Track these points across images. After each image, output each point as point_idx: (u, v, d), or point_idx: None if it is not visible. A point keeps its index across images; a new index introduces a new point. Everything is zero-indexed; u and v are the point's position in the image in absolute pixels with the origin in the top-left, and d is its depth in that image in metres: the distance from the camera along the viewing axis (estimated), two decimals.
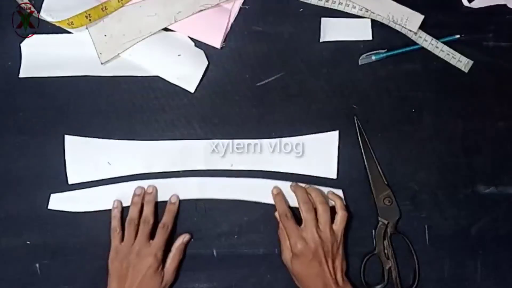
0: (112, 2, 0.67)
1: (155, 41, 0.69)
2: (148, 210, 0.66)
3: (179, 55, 0.69)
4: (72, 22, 0.66)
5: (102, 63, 0.68)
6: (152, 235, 0.65)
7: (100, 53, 0.67)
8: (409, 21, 0.69)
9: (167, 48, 0.69)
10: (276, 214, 0.67)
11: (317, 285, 0.63)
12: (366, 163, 0.69)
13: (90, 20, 0.67)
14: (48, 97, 0.69)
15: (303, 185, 0.68)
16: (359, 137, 0.69)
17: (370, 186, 0.69)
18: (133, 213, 0.66)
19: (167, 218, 0.67)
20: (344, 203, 0.67)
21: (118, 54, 0.68)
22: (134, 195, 0.68)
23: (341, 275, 0.64)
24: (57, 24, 0.67)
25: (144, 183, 0.69)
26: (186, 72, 0.69)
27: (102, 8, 0.67)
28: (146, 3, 0.67)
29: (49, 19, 0.68)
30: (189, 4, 0.67)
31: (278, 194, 0.67)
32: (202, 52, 0.70)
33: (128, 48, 0.68)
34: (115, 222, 0.67)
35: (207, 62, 0.69)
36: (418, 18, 0.69)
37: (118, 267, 0.64)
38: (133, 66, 0.69)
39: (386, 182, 0.69)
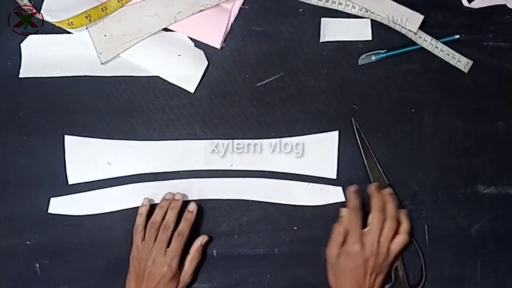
0: (112, 3, 0.67)
1: (155, 41, 0.69)
2: (170, 216, 0.66)
3: (179, 55, 0.69)
4: (72, 22, 0.66)
5: (102, 63, 0.68)
6: (170, 242, 0.65)
7: (100, 53, 0.67)
8: (409, 21, 0.69)
9: (167, 48, 0.69)
10: (343, 209, 0.66)
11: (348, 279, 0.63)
12: (366, 163, 0.69)
13: (90, 20, 0.67)
14: (48, 97, 0.69)
15: (387, 190, 0.67)
16: (357, 138, 0.69)
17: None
18: (157, 216, 0.66)
19: (183, 226, 0.66)
20: (410, 229, 0.66)
21: (118, 54, 0.68)
22: (163, 199, 0.67)
23: (373, 281, 0.64)
24: (57, 24, 0.67)
25: (144, 183, 0.69)
26: (186, 72, 0.69)
27: (102, 8, 0.67)
28: (146, 3, 0.67)
29: (49, 19, 0.68)
30: (189, 4, 0.67)
31: (356, 191, 0.66)
32: (202, 52, 0.70)
33: (128, 48, 0.68)
34: (139, 220, 0.66)
35: (207, 62, 0.69)
36: (418, 18, 0.69)
37: (137, 267, 0.64)
38: (133, 66, 0.69)
39: (387, 182, 0.69)
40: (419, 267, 0.68)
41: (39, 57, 0.69)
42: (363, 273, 0.62)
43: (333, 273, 0.65)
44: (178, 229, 0.65)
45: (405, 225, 0.65)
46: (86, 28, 0.67)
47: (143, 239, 0.65)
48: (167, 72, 0.69)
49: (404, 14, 0.69)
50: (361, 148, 0.69)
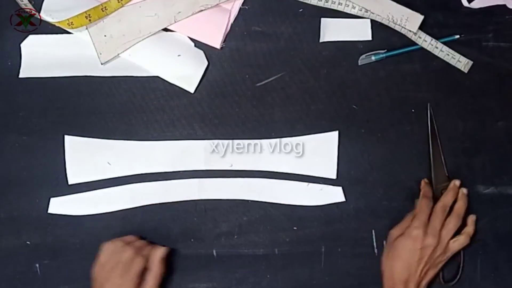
0: (112, 3, 0.67)
1: (155, 41, 0.69)
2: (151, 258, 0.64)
3: (179, 55, 0.69)
4: (72, 22, 0.66)
5: (102, 63, 0.68)
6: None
7: (100, 53, 0.67)
8: (409, 21, 0.69)
9: (167, 48, 0.69)
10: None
11: (401, 274, 0.63)
12: (431, 151, 0.69)
13: (90, 20, 0.67)
14: (48, 97, 0.69)
15: (465, 190, 0.67)
16: (429, 126, 0.69)
17: (431, 175, 0.69)
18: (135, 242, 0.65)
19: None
20: (473, 234, 0.66)
21: (118, 54, 0.68)
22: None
23: (425, 284, 0.64)
24: (57, 25, 0.67)
25: (144, 183, 0.69)
26: (186, 73, 0.69)
27: (102, 9, 0.67)
28: (145, 3, 0.67)
29: (48, 19, 0.68)
30: (189, 4, 0.67)
31: (428, 183, 0.68)
32: (202, 52, 0.70)
33: (128, 48, 0.68)
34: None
35: (207, 63, 0.69)
36: (418, 18, 0.69)
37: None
38: (133, 66, 0.69)
39: (447, 174, 0.69)
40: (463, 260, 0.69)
41: (39, 57, 0.69)
42: (417, 259, 0.63)
43: (388, 254, 0.65)
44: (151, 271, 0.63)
45: (470, 228, 0.66)
46: (86, 28, 0.67)
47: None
48: (167, 72, 0.69)
49: (404, 14, 0.69)
50: (430, 137, 0.69)
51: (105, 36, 0.67)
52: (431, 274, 0.64)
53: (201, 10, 0.68)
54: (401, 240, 0.64)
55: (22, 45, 0.69)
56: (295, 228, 0.70)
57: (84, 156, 0.69)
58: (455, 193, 0.67)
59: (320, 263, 0.70)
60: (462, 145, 0.70)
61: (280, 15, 0.70)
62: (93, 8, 0.66)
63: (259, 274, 0.70)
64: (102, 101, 0.70)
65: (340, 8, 0.70)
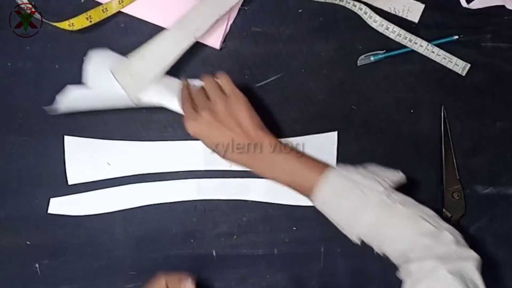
0: (113, 4, 0.67)
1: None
2: None
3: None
4: (73, 23, 0.67)
5: (135, 104, 0.67)
6: None
7: (131, 95, 0.66)
8: (410, 12, 0.69)
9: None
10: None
11: (235, 153, 0.61)
12: (443, 153, 0.69)
13: (90, 21, 0.67)
14: (48, 97, 0.69)
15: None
16: (442, 127, 0.70)
17: (442, 177, 0.69)
18: None
19: None
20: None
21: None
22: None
23: (253, 130, 0.62)
24: (58, 26, 0.67)
25: (144, 184, 0.69)
26: None
27: (103, 10, 0.67)
28: (164, 33, 0.66)
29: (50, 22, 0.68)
30: (205, 18, 0.67)
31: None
32: None
33: (155, 79, 0.66)
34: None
35: None
36: (419, 8, 0.69)
37: None
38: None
39: (458, 177, 0.69)
40: None
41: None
42: (217, 127, 0.61)
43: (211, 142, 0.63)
44: None
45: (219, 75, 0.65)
46: (112, 75, 0.65)
47: None
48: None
49: (406, 5, 0.69)
50: (442, 139, 0.70)
51: (131, 75, 0.65)
52: (244, 114, 0.62)
53: (217, 20, 0.67)
54: (208, 128, 0.61)
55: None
56: (294, 228, 0.70)
57: (83, 156, 0.69)
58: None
59: (319, 263, 0.70)
60: (460, 146, 0.70)
61: (279, 15, 0.70)
62: (94, 9, 0.67)
63: (258, 274, 0.70)
64: None
65: (341, 3, 0.70)
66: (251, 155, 0.61)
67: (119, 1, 0.67)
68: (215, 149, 0.62)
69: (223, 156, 0.62)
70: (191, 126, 0.62)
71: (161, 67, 0.65)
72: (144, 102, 0.66)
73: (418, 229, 0.56)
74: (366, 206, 0.57)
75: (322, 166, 0.61)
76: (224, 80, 0.64)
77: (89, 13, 0.67)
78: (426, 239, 0.55)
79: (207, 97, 0.63)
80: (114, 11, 0.68)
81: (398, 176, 0.61)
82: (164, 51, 0.66)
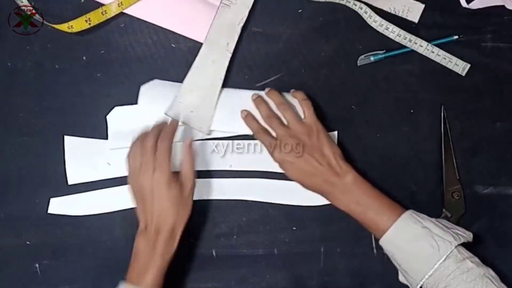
0: (112, 6, 0.67)
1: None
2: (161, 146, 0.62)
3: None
4: (72, 26, 0.67)
5: (208, 134, 0.68)
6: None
7: (201, 128, 0.67)
8: (410, 12, 0.70)
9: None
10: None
11: (316, 183, 0.63)
12: (443, 153, 0.69)
13: (89, 24, 0.67)
14: (48, 97, 0.69)
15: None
16: (442, 127, 0.70)
17: (442, 177, 0.69)
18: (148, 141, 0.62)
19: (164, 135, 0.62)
20: (304, 95, 0.66)
21: (212, 116, 0.68)
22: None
23: (336, 162, 0.63)
24: (57, 27, 0.67)
25: None
26: None
27: (102, 12, 0.67)
28: (200, 58, 0.67)
29: (51, 25, 0.68)
30: (231, 30, 0.68)
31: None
32: (289, 94, 0.69)
33: (215, 104, 0.68)
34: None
35: (297, 103, 0.69)
36: (419, 8, 0.69)
37: (135, 190, 0.63)
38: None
39: (458, 177, 0.69)
40: None
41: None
42: (305, 162, 0.63)
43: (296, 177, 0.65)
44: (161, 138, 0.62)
45: (299, 95, 0.67)
46: (181, 123, 0.67)
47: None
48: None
49: (406, 5, 0.70)
50: (442, 140, 0.70)
51: (192, 112, 0.67)
52: (328, 152, 0.63)
53: (242, 27, 0.68)
54: (288, 168, 0.64)
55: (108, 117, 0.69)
56: (294, 228, 0.70)
57: (83, 156, 0.69)
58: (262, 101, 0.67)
59: (319, 263, 0.70)
60: (460, 146, 0.70)
61: (279, 16, 0.70)
62: (93, 12, 0.67)
63: (258, 274, 0.70)
64: (102, 102, 0.70)
65: (342, 2, 0.70)
66: (331, 185, 0.63)
67: (118, 4, 0.67)
68: (297, 177, 0.64)
69: (304, 184, 0.64)
70: (278, 157, 0.64)
71: (213, 91, 0.67)
72: (216, 131, 0.68)
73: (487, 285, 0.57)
74: (438, 257, 0.58)
75: (399, 208, 0.62)
76: (306, 106, 0.66)
77: (88, 15, 0.67)
78: None
79: (280, 121, 0.65)
80: (113, 14, 0.68)
81: (467, 233, 0.61)
82: (208, 77, 0.67)
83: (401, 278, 0.64)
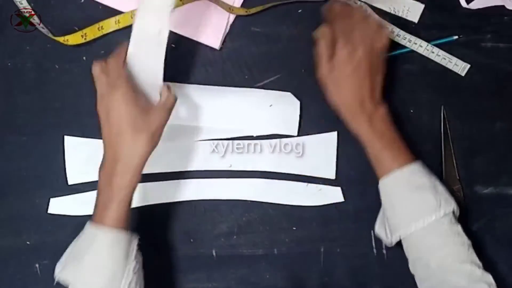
0: (109, 23, 0.68)
1: (243, 102, 0.69)
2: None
3: (270, 105, 0.69)
4: (67, 39, 0.67)
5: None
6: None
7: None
8: (410, 12, 0.70)
9: (257, 104, 0.69)
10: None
11: (356, 99, 0.62)
12: (443, 153, 0.69)
13: (85, 39, 0.67)
14: (48, 97, 0.70)
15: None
16: (441, 127, 0.70)
17: (442, 177, 0.69)
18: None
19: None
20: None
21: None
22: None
23: (379, 91, 0.64)
24: (53, 38, 0.67)
25: (143, 184, 0.69)
26: (284, 118, 0.69)
27: (98, 28, 0.68)
28: (128, 56, 0.61)
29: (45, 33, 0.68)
30: (159, 14, 0.60)
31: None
32: (290, 94, 0.70)
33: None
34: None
35: (298, 102, 0.69)
36: (419, 8, 0.69)
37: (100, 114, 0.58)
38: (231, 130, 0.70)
39: (458, 177, 0.69)
40: None
41: None
42: (362, 77, 0.62)
43: (333, 91, 0.63)
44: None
45: (382, 21, 0.66)
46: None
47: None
48: (266, 125, 0.69)
49: (406, 5, 0.70)
50: (442, 140, 0.70)
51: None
52: (379, 79, 0.63)
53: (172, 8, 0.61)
54: (338, 70, 0.62)
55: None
56: (294, 228, 0.70)
57: (83, 156, 0.69)
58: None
59: (319, 263, 0.70)
60: (460, 146, 0.70)
61: (279, 16, 0.70)
62: (90, 27, 0.67)
63: (258, 274, 0.70)
64: None
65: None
66: (364, 109, 0.62)
67: (115, 21, 0.68)
68: (335, 100, 0.63)
69: (335, 101, 0.63)
70: (342, 53, 0.62)
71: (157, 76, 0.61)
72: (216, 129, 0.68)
73: (468, 257, 0.58)
74: (438, 211, 0.58)
75: (413, 156, 0.63)
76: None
77: (84, 31, 0.67)
78: (470, 268, 0.57)
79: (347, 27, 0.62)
80: (109, 31, 0.68)
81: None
82: (144, 75, 0.60)
83: (377, 229, 0.65)
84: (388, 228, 0.62)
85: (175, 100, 0.60)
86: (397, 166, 0.61)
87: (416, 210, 0.59)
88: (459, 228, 0.59)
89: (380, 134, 0.62)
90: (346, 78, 0.62)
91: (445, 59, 0.70)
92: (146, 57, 0.59)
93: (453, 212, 0.60)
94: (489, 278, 0.58)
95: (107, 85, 0.56)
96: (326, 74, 0.63)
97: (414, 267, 0.61)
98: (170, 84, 0.61)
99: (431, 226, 0.58)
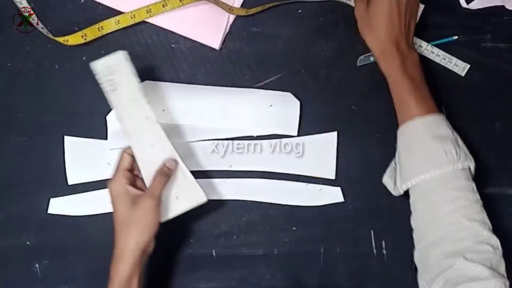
0: (109, 23, 0.68)
1: (243, 102, 0.69)
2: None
3: (270, 105, 0.69)
4: (67, 40, 0.67)
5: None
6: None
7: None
8: None
9: (257, 104, 0.69)
10: None
11: (390, 36, 0.63)
12: None
13: (85, 39, 0.67)
14: (48, 97, 0.70)
15: None
16: None
17: None
18: None
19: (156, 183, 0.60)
20: None
21: None
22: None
23: (412, 36, 0.65)
24: (53, 39, 0.67)
25: None
26: (284, 118, 0.69)
27: (98, 28, 0.68)
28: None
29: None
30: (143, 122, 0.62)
31: None
32: (290, 94, 0.70)
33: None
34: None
35: (298, 102, 0.69)
36: (419, 8, 0.69)
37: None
38: (231, 130, 0.70)
39: None
40: None
41: None
42: (397, 15, 0.63)
43: (368, 24, 0.64)
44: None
45: None
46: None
47: None
48: (265, 125, 0.69)
49: None
50: None
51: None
52: (413, 24, 0.65)
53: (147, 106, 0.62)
54: (376, 6, 0.63)
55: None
56: (294, 228, 0.70)
57: (83, 156, 0.69)
58: None
59: (319, 263, 0.70)
60: None
61: (279, 16, 0.70)
62: (89, 28, 0.67)
63: (258, 274, 0.70)
64: (102, 102, 0.69)
65: (342, 0, 0.70)
66: (399, 46, 0.62)
67: (115, 22, 0.68)
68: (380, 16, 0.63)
69: (370, 39, 0.64)
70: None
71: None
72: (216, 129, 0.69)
73: (479, 216, 0.57)
74: (457, 163, 0.58)
75: (437, 108, 0.62)
76: None
77: (84, 31, 0.67)
78: (478, 227, 0.56)
79: None
80: (109, 31, 0.68)
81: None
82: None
83: (385, 178, 0.64)
84: (399, 176, 0.62)
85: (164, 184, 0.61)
86: (422, 113, 0.60)
87: (434, 158, 0.58)
88: (474, 185, 0.59)
89: (410, 77, 0.62)
90: (382, 16, 0.63)
91: (445, 59, 0.70)
92: (151, 144, 0.62)
93: (470, 169, 0.59)
94: (496, 241, 0.56)
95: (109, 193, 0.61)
96: (363, 11, 0.64)
97: (416, 221, 0.60)
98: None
99: (447, 177, 0.58)
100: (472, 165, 0.60)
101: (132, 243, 0.58)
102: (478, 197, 0.58)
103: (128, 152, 0.62)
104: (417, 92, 0.61)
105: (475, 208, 0.57)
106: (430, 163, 0.58)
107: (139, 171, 0.62)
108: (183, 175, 0.62)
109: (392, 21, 0.62)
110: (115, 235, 0.60)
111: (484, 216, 0.58)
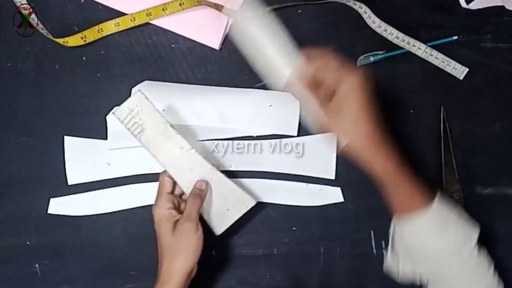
0: (109, 25, 0.68)
1: (244, 103, 0.69)
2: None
3: (270, 105, 0.69)
4: (67, 41, 0.68)
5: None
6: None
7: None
8: None
9: (257, 104, 0.69)
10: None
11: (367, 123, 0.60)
12: (443, 153, 0.69)
13: (85, 41, 0.68)
14: (47, 97, 0.70)
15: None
16: (441, 127, 0.70)
17: (442, 177, 0.69)
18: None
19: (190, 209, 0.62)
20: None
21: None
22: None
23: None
24: (53, 40, 0.67)
25: (144, 184, 0.69)
26: (284, 118, 0.69)
27: (98, 30, 0.68)
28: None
29: (49, 37, 0.68)
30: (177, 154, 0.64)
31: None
32: (290, 94, 0.69)
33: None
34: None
35: (298, 102, 0.69)
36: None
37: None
38: (231, 130, 0.70)
39: (457, 177, 0.69)
40: None
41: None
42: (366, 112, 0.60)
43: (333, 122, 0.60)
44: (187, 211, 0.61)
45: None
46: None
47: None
48: (265, 125, 0.69)
49: None
50: (442, 140, 0.69)
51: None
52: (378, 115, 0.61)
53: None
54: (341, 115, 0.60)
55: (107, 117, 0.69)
56: (294, 228, 0.70)
57: (83, 156, 0.69)
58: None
59: (319, 263, 0.70)
60: (460, 146, 0.70)
61: (279, 16, 0.70)
62: (89, 29, 0.68)
63: (258, 274, 0.70)
64: (102, 102, 0.70)
65: (342, 1, 0.70)
66: (376, 149, 0.59)
67: (115, 24, 0.68)
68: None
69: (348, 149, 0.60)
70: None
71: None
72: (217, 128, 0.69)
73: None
74: (469, 240, 0.59)
75: (430, 194, 0.60)
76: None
77: (84, 33, 0.68)
78: None
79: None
80: (109, 33, 0.68)
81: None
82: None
83: (388, 266, 0.63)
84: (413, 268, 0.61)
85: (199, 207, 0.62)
86: (424, 204, 0.59)
87: (447, 245, 0.59)
88: (485, 253, 0.60)
89: (402, 170, 0.60)
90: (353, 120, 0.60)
91: (443, 62, 0.70)
92: (191, 169, 0.63)
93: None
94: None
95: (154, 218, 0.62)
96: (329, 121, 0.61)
97: None
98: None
99: (464, 260, 0.59)
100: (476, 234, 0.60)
101: (178, 267, 0.60)
102: (490, 263, 0.61)
103: (168, 175, 0.63)
104: (412, 183, 0.60)
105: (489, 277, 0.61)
106: (447, 251, 0.59)
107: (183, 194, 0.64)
108: (228, 187, 0.64)
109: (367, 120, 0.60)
110: (160, 258, 0.61)
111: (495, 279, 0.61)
